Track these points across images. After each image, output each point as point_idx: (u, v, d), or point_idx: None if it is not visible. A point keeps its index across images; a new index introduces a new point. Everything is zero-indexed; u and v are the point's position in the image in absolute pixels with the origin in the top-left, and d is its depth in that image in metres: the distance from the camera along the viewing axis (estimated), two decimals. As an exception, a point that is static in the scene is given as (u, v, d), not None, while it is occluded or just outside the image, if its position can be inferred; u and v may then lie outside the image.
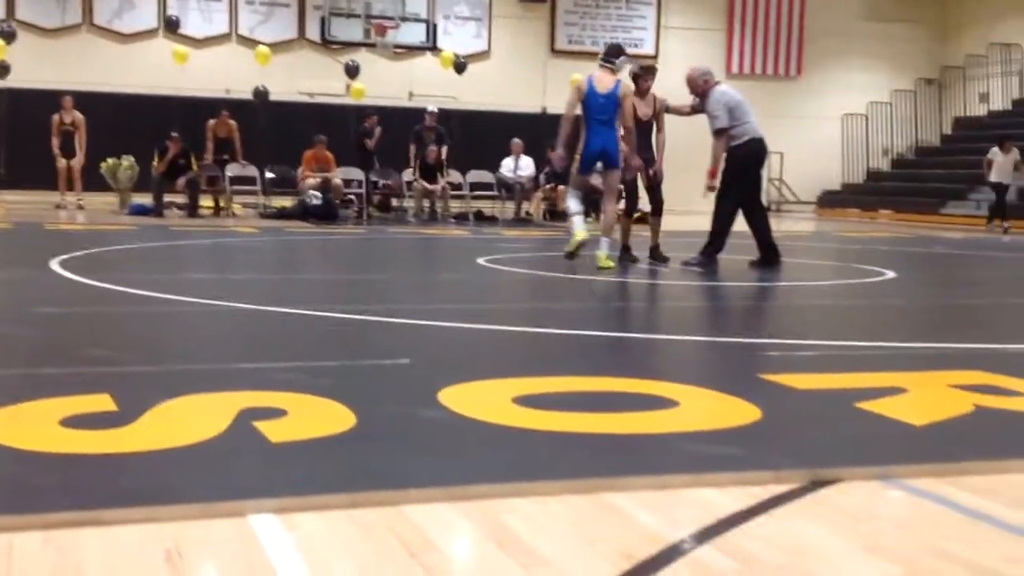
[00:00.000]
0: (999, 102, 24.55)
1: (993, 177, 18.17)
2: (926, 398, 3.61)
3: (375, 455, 2.73)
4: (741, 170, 8.70)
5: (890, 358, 4.62)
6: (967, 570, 2.09)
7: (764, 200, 24.67)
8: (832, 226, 19.30)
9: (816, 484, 2.58)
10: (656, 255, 9.13)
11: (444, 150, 16.22)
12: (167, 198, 15.05)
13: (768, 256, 8.87)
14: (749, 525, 2.30)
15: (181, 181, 15.03)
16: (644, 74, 8.98)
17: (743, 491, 2.51)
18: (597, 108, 8.22)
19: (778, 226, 18.06)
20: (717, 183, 8.67)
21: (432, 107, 16.62)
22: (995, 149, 18.27)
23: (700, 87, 8.86)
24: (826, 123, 24.88)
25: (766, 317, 6.82)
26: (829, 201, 24.46)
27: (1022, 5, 21.03)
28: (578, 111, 8.31)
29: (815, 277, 9.32)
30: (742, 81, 24.15)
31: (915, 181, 23.34)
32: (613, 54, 8.46)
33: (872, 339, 5.23)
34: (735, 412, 3.29)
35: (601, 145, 8.25)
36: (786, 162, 24.30)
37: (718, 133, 8.67)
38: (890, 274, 8.83)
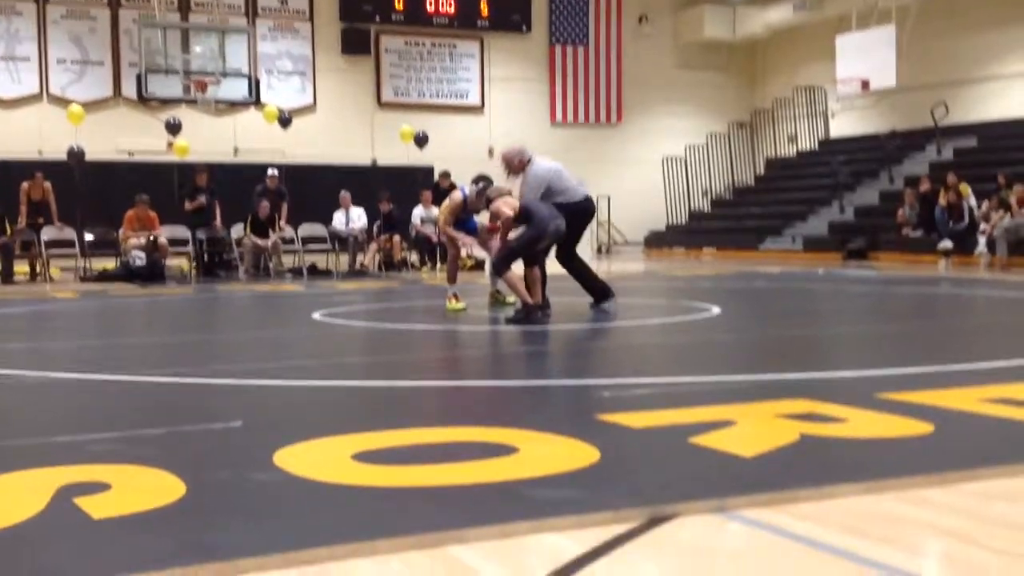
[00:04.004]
0: (806, 142, 25.97)
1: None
2: (754, 429, 3.73)
3: (206, 525, 2.62)
4: (570, 229, 8.82)
5: (719, 392, 4.76)
6: (801, 595, 2.14)
7: (594, 242, 25.13)
8: (659, 265, 19.89)
9: (655, 521, 2.61)
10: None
11: (284, 208, 16.35)
12: (-22, 266, 14.29)
13: (604, 294, 9.00)
14: (592, 567, 2.31)
15: (-7, 247, 14.31)
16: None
17: (585, 533, 2.52)
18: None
19: (609, 267, 18.54)
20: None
21: (272, 170, 16.62)
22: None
23: (516, 166, 8.94)
24: (648, 167, 25.74)
25: (601, 358, 6.93)
26: (656, 241, 25.24)
27: (822, 51, 22.34)
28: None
29: (646, 316, 9.56)
30: (566, 129, 24.84)
31: (734, 219, 24.37)
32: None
33: (701, 374, 5.38)
34: (574, 455, 3.31)
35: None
36: (613, 205, 24.99)
37: None
38: (716, 310, 9.14)
